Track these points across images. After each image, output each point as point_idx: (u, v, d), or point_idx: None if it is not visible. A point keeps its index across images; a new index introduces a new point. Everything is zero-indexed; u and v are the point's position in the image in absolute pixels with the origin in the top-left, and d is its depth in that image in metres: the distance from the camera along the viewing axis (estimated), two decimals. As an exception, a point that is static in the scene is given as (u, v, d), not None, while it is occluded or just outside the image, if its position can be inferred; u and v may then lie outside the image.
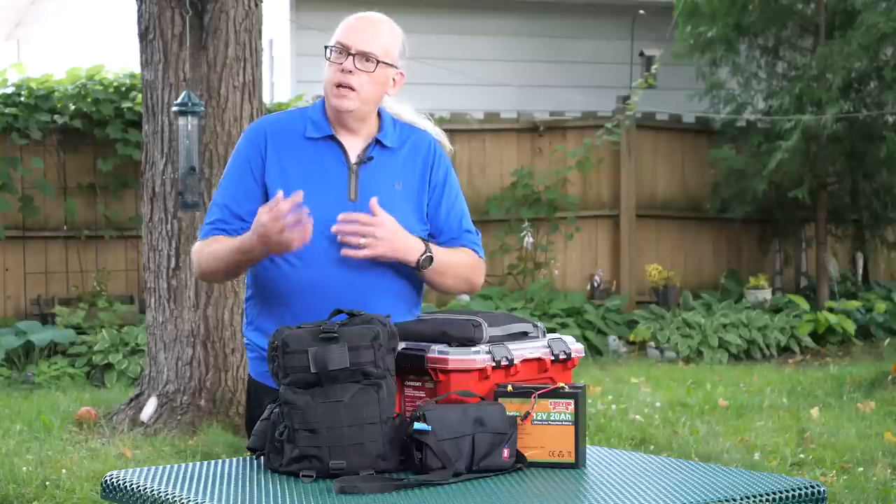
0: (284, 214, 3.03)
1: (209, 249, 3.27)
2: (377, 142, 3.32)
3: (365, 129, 3.32)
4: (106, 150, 10.32)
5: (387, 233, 3.16)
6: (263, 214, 3.06)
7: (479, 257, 3.43)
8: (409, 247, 3.21)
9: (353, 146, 3.30)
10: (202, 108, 7.06)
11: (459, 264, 3.35)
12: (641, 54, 12.92)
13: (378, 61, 3.24)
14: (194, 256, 3.33)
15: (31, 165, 10.11)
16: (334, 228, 3.14)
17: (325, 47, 3.27)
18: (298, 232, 3.07)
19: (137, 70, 8.39)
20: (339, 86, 3.23)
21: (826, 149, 11.60)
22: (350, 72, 3.22)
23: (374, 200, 3.16)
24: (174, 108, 7.06)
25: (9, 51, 16.21)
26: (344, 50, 3.23)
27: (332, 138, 3.29)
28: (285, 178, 3.24)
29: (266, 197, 3.24)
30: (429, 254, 3.23)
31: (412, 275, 3.29)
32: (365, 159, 3.29)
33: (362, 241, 3.13)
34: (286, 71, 12.40)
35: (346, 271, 3.21)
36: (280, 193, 3.06)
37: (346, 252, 3.14)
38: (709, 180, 12.36)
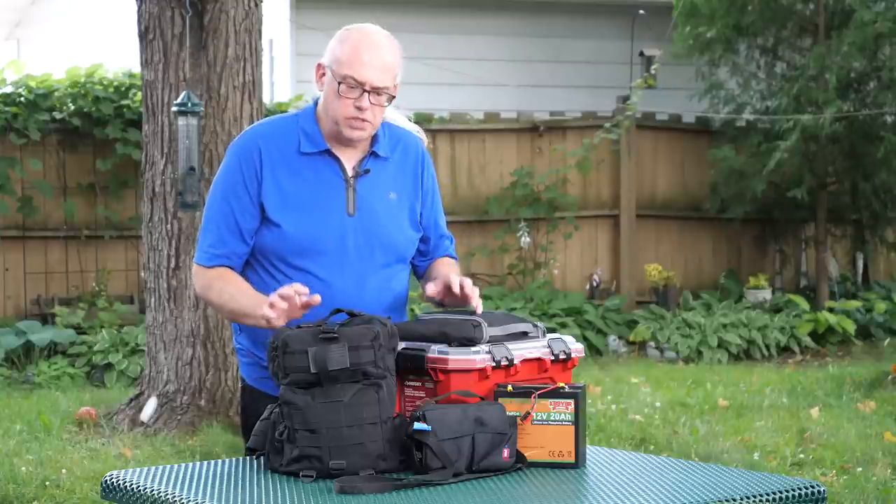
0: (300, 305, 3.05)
1: (218, 288, 3.23)
2: (372, 153, 3.30)
3: (361, 143, 3.30)
4: (105, 150, 10.30)
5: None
6: (290, 305, 3.03)
7: (456, 261, 3.51)
8: None
9: (349, 158, 3.28)
10: (202, 108, 7.06)
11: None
12: (641, 54, 12.91)
13: (391, 96, 3.21)
14: (198, 282, 3.30)
15: (29, 166, 10.10)
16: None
17: (339, 84, 3.16)
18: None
19: (137, 70, 8.39)
20: (353, 118, 3.19)
21: (825, 149, 11.60)
22: (366, 109, 3.18)
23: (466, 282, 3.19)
24: (174, 108, 7.06)
25: (9, 51, 16.18)
26: (358, 86, 3.17)
27: (328, 152, 3.27)
28: (282, 196, 3.22)
29: (263, 215, 3.21)
30: None
31: (404, 287, 3.34)
32: (361, 172, 3.27)
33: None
34: (286, 71, 12.39)
35: (344, 286, 3.21)
36: (308, 295, 3.04)
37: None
38: (708, 180, 12.35)
